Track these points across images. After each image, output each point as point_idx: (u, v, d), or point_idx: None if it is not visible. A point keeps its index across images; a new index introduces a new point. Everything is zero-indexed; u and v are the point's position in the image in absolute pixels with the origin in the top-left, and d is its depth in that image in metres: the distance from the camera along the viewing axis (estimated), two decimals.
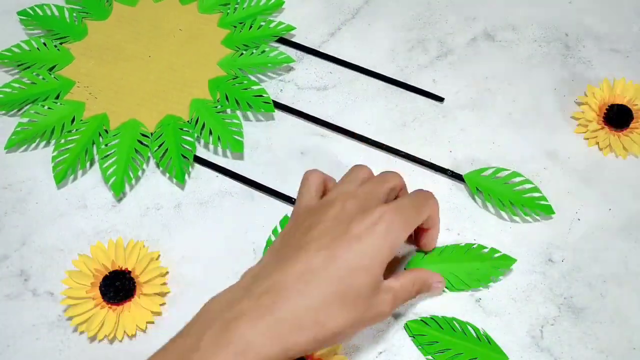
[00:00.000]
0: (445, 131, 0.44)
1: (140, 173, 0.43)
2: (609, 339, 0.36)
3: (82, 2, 0.51)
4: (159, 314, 0.37)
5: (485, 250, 0.38)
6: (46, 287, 0.39)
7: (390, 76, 0.47)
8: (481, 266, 0.38)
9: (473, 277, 0.37)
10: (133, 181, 0.42)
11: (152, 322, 0.37)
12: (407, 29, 0.50)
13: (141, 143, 0.43)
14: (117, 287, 0.36)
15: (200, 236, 0.40)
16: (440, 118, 0.45)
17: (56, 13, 0.50)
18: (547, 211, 0.40)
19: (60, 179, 0.42)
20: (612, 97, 0.44)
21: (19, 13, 0.50)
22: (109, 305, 0.36)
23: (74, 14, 0.50)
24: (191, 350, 0.27)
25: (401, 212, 0.32)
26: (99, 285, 0.36)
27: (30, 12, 0.50)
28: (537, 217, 0.40)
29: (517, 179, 0.41)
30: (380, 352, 0.36)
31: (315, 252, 0.29)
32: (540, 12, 0.51)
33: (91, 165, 0.43)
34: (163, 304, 0.37)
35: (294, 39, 0.49)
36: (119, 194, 0.41)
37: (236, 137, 0.43)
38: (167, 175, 0.43)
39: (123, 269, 0.37)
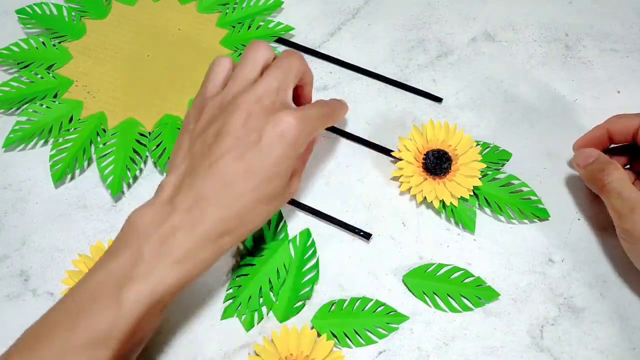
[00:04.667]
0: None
1: (138, 173, 0.43)
2: (609, 339, 0.36)
3: (81, 1, 0.51)
4: None
5: (470, 279, 0.38)
6: (46, 287, 0.39)
7: (391, 76, 0.47)
8: (465, 293, 0.37)
9: (455, 301, 0.37)
10: (131, 181, 0.42)
11: None
12: (407, 29, 0.50)
13: (139, 143, 0.43)
14: None
15: None
16: (440, 118, 0.45)
17: (55, 12, 0.50)
18: (543, 214, 0.40)
19: (58, 178, 0.42)
20: (426, 144, 0.41)
21: (17, 11, 0.50)
22: None
23: (73, 13, 0.50)
24: (132, 265, 0.29)
25: (308, 123, 0.34)
26: None
27: (29, 10, 0.50)
28: (534, 220, 0.40)
29: (515, 182, 0.41)
30: (380, 352, 0.36)
31: (231, 165, 0.31)
32: (540, 12, 0.51)
33: (89, 164, 0.44)
34: None
35: (293, 39, 0.49)
36: (117, 194, 0.41)
37: None
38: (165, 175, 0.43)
39: None
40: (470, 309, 0.37)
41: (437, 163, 0.40)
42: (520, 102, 0.46)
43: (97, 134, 0.44)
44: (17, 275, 0.39)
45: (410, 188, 0.40)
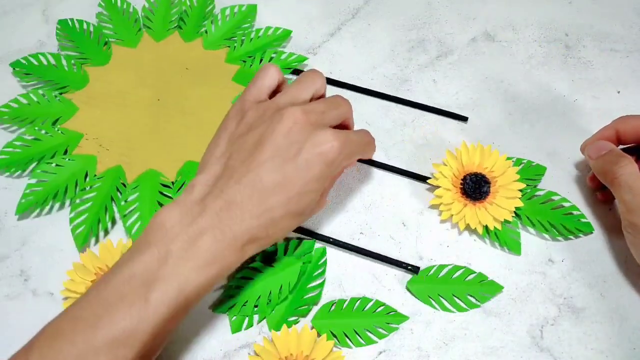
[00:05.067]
0: (445, 131, 0.44)
1: None
2: (609, 339, 0.36)
3: (80, 48, 0.48)
4: None
5: (472, 275, 0.38)
6: (46, 287, 0.39)
7: (390, 76, 0.47)
8: (469, 291, 0.37)
9: (461, 300, 0.37)
10: None
11: None
12: (407, 29, 0.50)
13: (163, 195, 0.41)
14: None
15: None
16: (440, 118, 0.45)
17: (52, 62, 0.47)
18: (587, 228, 0.39)
19: (82, 242, 0.39)
20: (462, 168, 0.40)
21: (12, 64, 0.47)
22: None
23: (72, 61, 0.47)
24: (160, 265, 0.29)
25: (348, 146, 0.33)
26: None
27: (24, 62, 0.47)
28: (579, 236, 0.39)
29: (555, 198, 0.40)
30: (380, 352, 0.36)
31: (267, 175, 0.31)
32: (540, 12, 0.51)
33: (113, 224, 0.41)
34: None
35: (293, 41, 0.49)
36: None
37: None
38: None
39: None
40: (477, 306, 0.37)
41: (476, 188, 0.39)
42: (520, 102, 0.46)
43: (117, 190, 0.41)
44: (17, 275, 0.39)
45: (451, 216, 0.39)
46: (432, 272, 0.38)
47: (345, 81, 0.47)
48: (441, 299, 0.37)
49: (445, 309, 0.37)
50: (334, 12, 0.51)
